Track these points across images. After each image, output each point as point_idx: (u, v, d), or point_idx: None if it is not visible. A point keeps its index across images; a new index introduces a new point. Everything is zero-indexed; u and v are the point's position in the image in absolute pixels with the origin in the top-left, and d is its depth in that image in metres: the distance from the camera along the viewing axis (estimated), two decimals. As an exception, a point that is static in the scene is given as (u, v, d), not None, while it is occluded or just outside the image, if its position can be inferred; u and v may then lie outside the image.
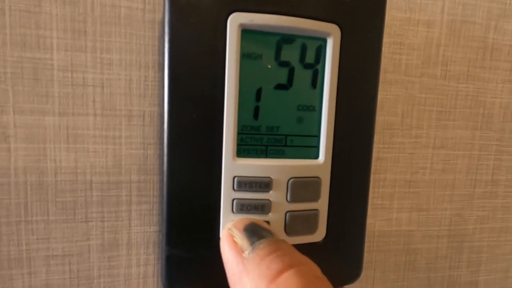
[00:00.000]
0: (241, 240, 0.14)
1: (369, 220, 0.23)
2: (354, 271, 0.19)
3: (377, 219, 0.23)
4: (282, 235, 0.16)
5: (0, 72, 0.17)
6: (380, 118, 0.22)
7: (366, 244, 0.23)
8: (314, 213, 0.17)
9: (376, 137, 0.22)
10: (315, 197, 0.17)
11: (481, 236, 0.25)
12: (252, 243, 0.13)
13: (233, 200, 0.16)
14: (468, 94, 0.23)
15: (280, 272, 0.12)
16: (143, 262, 0.20)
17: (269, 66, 0.16)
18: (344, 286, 0.19)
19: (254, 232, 0.14)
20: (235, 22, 0.15)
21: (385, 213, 0.23)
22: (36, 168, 0.18)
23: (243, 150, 0.16)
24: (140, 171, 0.19)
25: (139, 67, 0.19)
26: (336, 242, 0.18)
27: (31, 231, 0.18)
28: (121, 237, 0.19)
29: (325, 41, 0.17)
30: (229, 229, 0.15)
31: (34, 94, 0.18)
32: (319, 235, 0.17)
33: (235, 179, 0.16)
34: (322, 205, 0.17)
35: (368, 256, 0.23)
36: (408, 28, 0.22)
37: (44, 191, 0.18)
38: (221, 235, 0.15)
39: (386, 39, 0.21)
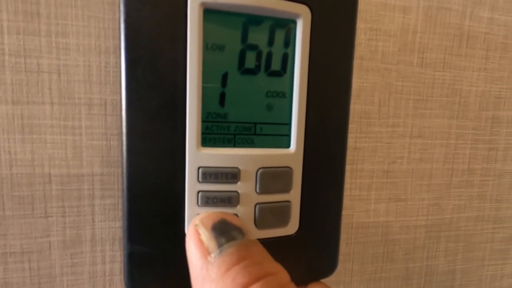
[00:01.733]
0: (208, 240, 0.13)
1: (347, 212, 0.22)
2: (330, 265, 0.19)
3: (355, 211, 0.23)
4: (251, 228, 0.16)
5: None
6: (357, 106, 0.22)
7: (344, 236, 0.22)
8: (286, 205, 0.16)
9: (353, 126, 0.22)
10: (287, 188, 0.16)
11: (457, 225, 0.25)
12: (220, 245, 0.12)
13: (198, 192, 0.15)
14: (444, 82, 0.23)
15: (245, 287, 0.11)
16: (108, 259, 0.19)
17: (235, 50, 0.15)
18: (322, 280, 0.19)
19: (222, 232, 0.13)
20: (196, 1, 0.14)
21: (363, 204, 0.23)
22: (-12, 161, 0.17)
23: (209, 139, 0.15)
24: (103, 163, 0.18)
25: (99, 52, 0.17)
26: (310, 234, 0.17)
27: (-15, 228, 0.17)
28: (84, 233, 0.18)
29: (294, 22, 0.16)
30: (196, 225, 0.13)
31: (-18, 80, 0.16)
32: (291, 227, 0.17)
33: (200, 170, 0.15)
34: (294, 196, 0.17)
35: (346, 248, 0.23)
36: (384, 14, 0.21)
37: (-2, 186, 0.17)
38: (187, 231, 0.14)
39: (362, 25, 0.21)
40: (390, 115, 0.22)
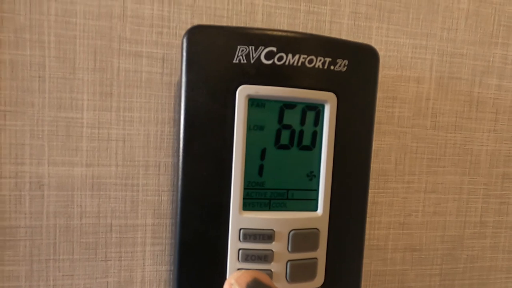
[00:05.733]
0: None
1: (365, 260, 0.24)
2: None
3: (373, 259, 0.25)
4: (283, 282, 0.18)
5: (39, 130, 0.19)
6: (375, 165, 0.24)
7: (363, 283, 0.24)
8: (313, 262, 0.19)
9: (372, 183, 0.24)
10: (314, 247, 0.19)
11: (471, 275, 0.26)
12: None
13: (239, 250, 0.18)
14: (456, 143, 0.25)
15: None
16: (155, 298, 0.22)
17: (273, 129, 0.18)
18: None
19: None
20: (243, 93, 0.18)
21: (380, 253, 0.25)
22: (65, 212, 0.20)
23: (249, 203, 0.18)
24: (154, 215, 0.21)
25: (156, 123, 0.21)
26: (334, 287, 0.20)
27: (58, 268, 0.20)
28: (136, 275, 0.21)
29: (323, 106, 0.19)
30: (232, 284, 0.15)
31: (66, 148, 0.20)
32: (318, 281, 0.19)
33: (241, 231, 0.18)
34: (320, 254, 0.19)
35: (364, 293, 0.25)
36: (399, 84, 0.24)
37: (70, 233, 0.20)
38: None
39: (380, 94, 0.24)
40: (406, 172, 0.25)
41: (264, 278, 0.15)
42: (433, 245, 0.25)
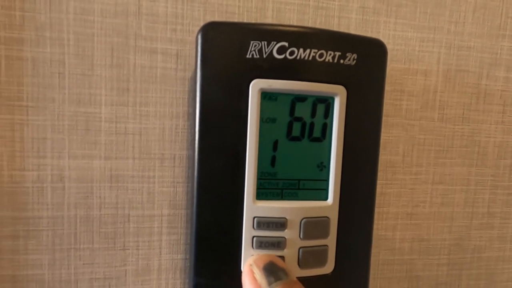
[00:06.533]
0: (260, 278, 0.16)
1: (374, 250, 0.25)
2: (360, 299, 0.21)
3: (381, 249, 0.25)
4: (296, 268, 0.19)
5: (60, 125, 0.20)
6: (383, 157, 0.25)
7: (372, 272, 0.25)
8: (324, 249, 0.19)
9: (380, 175, 0.25)
10: (325, 235, 0.19)
11: (479, 265, 0.27)
12: (269, 283, 0.16)
13: (253, 237, 0.19)
14: (463, 135, 0.26)
15: None
16: (171, 286, 0.22)
17: (284, 121, 0.19)
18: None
19: (271, 272, 0.16)
20: (256, 86, 0.18)
21: (388, 243, 0.25)
22: (85, 203, 0.21)
23: (262, 193, 0.19)
24: (170, 206, 0.22)
25: (171, 117, 0.22)
26: (344, 273, 0.20)
27: (79, 257, 0.21)
28: (153, 263, 0.22)
29: (333, 99, 0.19)
30: (250, 265, 0.17)
31: (85, 142, 0.21)
32: (328, 267, 0.20)
33: (255, 219, 0.19)
34: (331, 241, 0.20)
35: (373, 283, 0.25)
36: (407, 77, 0.24)
37: (90, 223, 0.21)
38: (243, 269, 0.18)
39: (387, 87, 0.24)
40: (413, 164, 0.25)
41: (278, 261, 0.17)
42: (440, 235, 0.26)
